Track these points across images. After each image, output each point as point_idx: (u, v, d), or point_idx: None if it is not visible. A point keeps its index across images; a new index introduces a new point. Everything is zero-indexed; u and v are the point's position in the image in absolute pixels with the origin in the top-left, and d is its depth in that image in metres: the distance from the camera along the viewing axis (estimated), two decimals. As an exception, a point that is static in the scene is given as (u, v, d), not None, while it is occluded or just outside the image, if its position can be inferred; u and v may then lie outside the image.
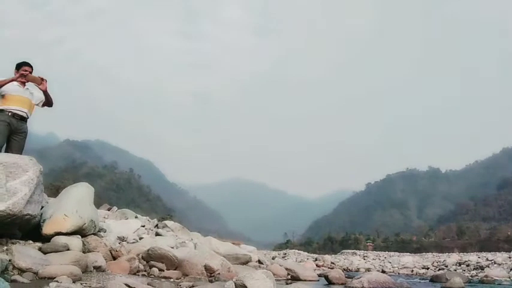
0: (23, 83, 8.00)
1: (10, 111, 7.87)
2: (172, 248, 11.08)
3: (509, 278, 17.48)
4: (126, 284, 4.75)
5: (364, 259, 44.77)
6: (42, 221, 7.88)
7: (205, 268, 9.79)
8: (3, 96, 7.87)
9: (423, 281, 16.33)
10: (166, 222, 18.51)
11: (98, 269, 7.84)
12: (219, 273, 9.71)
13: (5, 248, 6.64)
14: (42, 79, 8.01)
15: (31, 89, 8.16)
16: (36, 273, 6.19)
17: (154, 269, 9.15)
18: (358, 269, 28.03)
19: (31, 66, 8.08)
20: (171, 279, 8.04)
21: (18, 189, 6.97)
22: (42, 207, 8.30)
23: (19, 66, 7.94)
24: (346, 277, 13.05)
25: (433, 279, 15.48)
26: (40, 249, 7.26)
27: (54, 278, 5.82)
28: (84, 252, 7.95)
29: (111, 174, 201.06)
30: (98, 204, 9.65)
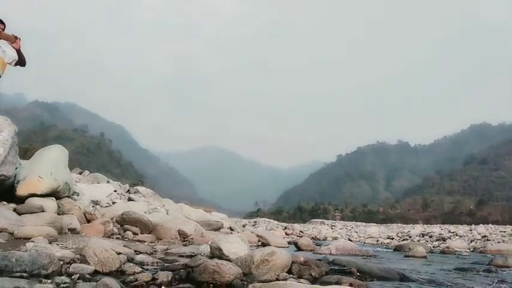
0: (-5, 41, 7.76)
1: (-19, 70, 7.67)
2: (145, 213, 11.22)
3: (469, 249, 18.33)
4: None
5: (332, 228, 45.95)
6: (16, 182, 7.85)
7: (178, 233, 9.99)
8: (-27, 54, 7.64)
9: (388, 250, 16.99)
10: (138, 188, 18.53)
11: (73, 231, 7.92)
12: (192, 238, 9.92)
13: (-20, 208, 6.64)
14: (16, 37, 7.76)
15: (3, 47, 7.90)
16: (11, 234, 6.23)
17: (128, 232, 9.28)
18: (326, 237, 28.82)
19: (4, 24, 7.82)
20: (145, 243, 8.18)
21: (-7, 149, 6.92)
22: (16, 168, 8.25)
23: None
24: (314, 245, 13.58)
25: (397, 249, 16.14)
26: (15, 210, 7.27)
27: (30, 238, 5.87)
28: (59, 214, 7.99)
29: (81, 138, 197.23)
30: (68, 168, 9.61)
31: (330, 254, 10.42)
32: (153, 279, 3.82)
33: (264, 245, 12.71)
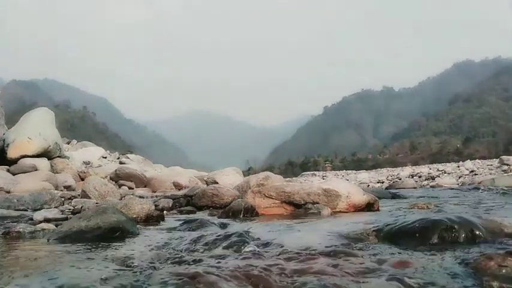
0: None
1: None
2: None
3: (458, 184, 18.78)
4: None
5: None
6: (5, 145, 7.84)
7: (173, 184, 10.11)
8: None
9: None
10: (128, 155, 18.54)
11: (68, 188, 7.97)
12: (187, 188, 10.07)
13: (-27, 169, 6.64)
14: None
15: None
16: (8, 192, 6.28)
17: (124, 187, 9.36)
18: (318, 186, 29.12)
19: None
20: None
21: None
22: (4, 134, 8.21)
23: None
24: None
25: (388, 188, 16.56)
26: (8, 171, 7.30)
27: (29, 193, 5.93)
28: (52, 173, 8.04)
29: (64, 114, 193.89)
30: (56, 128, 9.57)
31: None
32: (155, 205, 3.93)
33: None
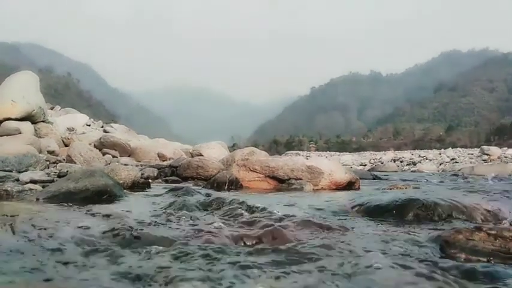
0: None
1: None
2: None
3: (438, 171, 19.14)
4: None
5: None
6: (-12, 107, 7.72)
7: (158, 156, 10.12)
8: None
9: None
10: (112, 124, 18.38)
11: (52, 153, 7.91)
12: (171, 160, 10.09)
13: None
14: None
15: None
16: (-8, 153, 6.24)
17: (107, 156, 9.31)
18: (301, 166, 29.36)
19: None
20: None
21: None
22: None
23: None
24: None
25: (370, 170, 16.88)
26: (-9, 133, 7.22)
27: (12, 155, 5.90)
28: (36, 137, 7.97)
29: (47, 79, 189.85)
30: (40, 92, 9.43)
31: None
32: (141, 174, 3.97)
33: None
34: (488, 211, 1.98)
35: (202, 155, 5.39)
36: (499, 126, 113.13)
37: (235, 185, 3.39)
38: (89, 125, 15.23)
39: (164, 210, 1.92)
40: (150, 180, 3.84)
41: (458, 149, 47.63)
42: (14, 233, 1.41)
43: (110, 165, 3.32)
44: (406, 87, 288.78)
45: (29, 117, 8.15)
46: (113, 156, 9.28)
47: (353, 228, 1.67)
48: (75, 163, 4.11)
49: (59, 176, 3.31)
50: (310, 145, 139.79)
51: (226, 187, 3.31)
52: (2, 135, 7.24)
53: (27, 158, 3.78)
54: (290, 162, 3.66)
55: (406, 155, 35.71)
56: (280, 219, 1.69)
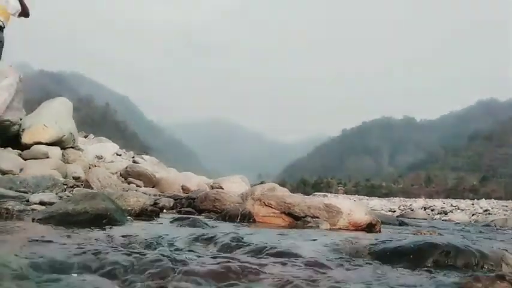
0: (-3, -9, 7.65)
1: (-15, 21, 7.60)
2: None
3: (470, 221, 18.39)
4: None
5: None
6: (21, 130, 7.91)
7: (182, 188, 10.09)
8: (-24, 4, 7.56)
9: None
10: (144, 156, 18.63)
11: (77, 179, 7.98)
12: (195, 192, 10.04)
13: (-14, 150, 6.70)
14: None
15: (6, -3, 7.76)
16: (17, 175, 6.32)
17: (132, 185, 9.34)
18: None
19: None
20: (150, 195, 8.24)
21: (-2, 93, 6.96)
22: (21, 119, 8.30)
23: None
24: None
25: (398, 216, 16.40)
26: (20, 155, 7.35)
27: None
28: (63, 162, 8.09)
29: (86, 108, 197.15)
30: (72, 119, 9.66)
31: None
32: (155, 203, 3.90)
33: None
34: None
35: (222, 188, 5.28)
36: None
37: (247, 219, 3.26)
38: (120, 155, 15.44)
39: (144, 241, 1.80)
40: (164, 211, 3.77)
41: (493, 200, 46.09)
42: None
43: (119, 191, 3.26)
44: (440, 134, 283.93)
45: (59, 142, 8.31)
46: (137, 186, 9.29)
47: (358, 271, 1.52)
48: (92, 188, 4.08)
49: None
50: (339, 187, 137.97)
51: (238, 220, 3.19)
52: (30, 159, 7.39)
53: (45, 180, 3.77)
54: (308, 199, 3.52)
55: (438, 203, 34.69)
56: (261, 252, 1.55)
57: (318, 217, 3.30)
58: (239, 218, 3.19)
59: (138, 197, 3.02)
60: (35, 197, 2.93)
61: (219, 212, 4.01)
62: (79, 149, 9.90)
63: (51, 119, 8.26)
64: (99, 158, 11.41)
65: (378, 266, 1.67)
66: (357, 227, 3.35)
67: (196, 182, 10.57)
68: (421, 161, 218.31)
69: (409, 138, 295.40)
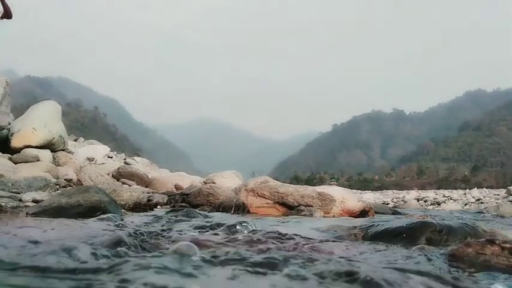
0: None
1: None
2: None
3: (463, 211, 18.58)
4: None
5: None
6: (10, 134, 7.84)
7: (175, 187, 10.08)
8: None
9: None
10: (135, 157, 18.54)
11: (69, 181, 7.94)
12: (188, 191, 10.03)
13: (-25, 154, 6.64)
14: None
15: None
16: (8, 178, 6.27)
17: (125, 185, 9.31)
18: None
19: None
20: (142, 194, 8.21)
21: (-15, 96, 6.89)
22: (9, 123, 8.23)
23: None
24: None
25: (392, 209, 16.52)
26: (10, 159, 7.29)
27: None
28: (54, 165, 8.03)
29: (75, 113, 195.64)
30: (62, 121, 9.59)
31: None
32: (149, 200, 3.89)
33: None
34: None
35: (215, 183, 5.30)
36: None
37: (241, 210, 3.27)
38: (111, 157, 15.36)
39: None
40: (158, 206, 3.77)
41: (484, 189, 46.52)
42: None
43: (112, 186, 3.26)
44: (430, 126, 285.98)
45: (49, 146, 8.25)
46: (129, 186, 9.27)
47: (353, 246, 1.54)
48: (84, 187, 4.06)
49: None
50: (332, 182, 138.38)
51: (232, 211, 3.19)
52: (21, 162, 7.33)
53: (37, 181, 3.76)
54: (300, 188, 3.54)
55: (430, 194, 34.91)
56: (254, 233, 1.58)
57: (311, 205, 3.33)
58: (233, 209, 3.20)
59: (132, 191, 3.02)
60: (27, 196, 2.92)
61: (214, 206, 4.02)
62: (69, 152, 9.84)
63: (40, 122, 8.19)
64: (90, 160, 11.36)
65: (373, 243, 1.69)
66: (351, 214, 3.38)
67: (189, 181, 10.57)
68: (412, 153, 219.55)
69: (400, 131, 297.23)
